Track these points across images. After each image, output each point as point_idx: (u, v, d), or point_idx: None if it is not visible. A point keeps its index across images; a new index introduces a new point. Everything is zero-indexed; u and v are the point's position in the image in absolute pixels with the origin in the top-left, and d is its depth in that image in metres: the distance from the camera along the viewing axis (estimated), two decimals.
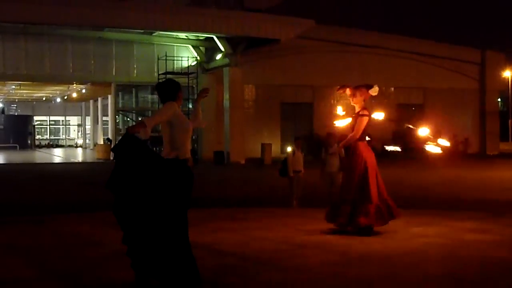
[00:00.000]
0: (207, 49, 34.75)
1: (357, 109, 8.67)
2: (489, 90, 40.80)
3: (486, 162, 30.11)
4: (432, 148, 8.81)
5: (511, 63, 52.13)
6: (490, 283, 5.90)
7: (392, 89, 38.69)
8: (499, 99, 50.08)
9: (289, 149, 12.49)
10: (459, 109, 39.86)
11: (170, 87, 6.12)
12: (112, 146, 35.57)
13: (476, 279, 6.02)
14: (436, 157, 8.48)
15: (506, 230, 8.94)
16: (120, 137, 5.97)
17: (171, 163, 5.86)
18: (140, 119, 5.45)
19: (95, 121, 53.33)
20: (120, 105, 39.95)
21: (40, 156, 43.14)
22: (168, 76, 32.96)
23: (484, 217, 10.40)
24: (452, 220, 9.99)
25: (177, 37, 34.42)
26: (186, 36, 34.19)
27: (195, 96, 35.09)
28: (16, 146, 53.56)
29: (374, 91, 8.70)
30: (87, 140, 58.29)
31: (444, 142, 8.76)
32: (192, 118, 6.42)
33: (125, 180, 5.71)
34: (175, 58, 34.36)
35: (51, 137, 67.39)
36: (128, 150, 5.69)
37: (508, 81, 57.63)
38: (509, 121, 60.95)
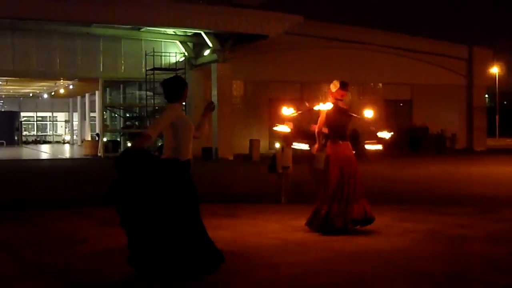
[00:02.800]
0: (195, 45, 34.65)
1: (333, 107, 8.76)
2: (476, 86, 40.98)
3: (474, 158, 30.27)
4: (371, 147, 8.89)
5: (498, 59, 52.43)
6: (478, 278, 5.93)
7: (380, 85, 38.80)
8: (486, 95, 50.33)
9: (277, 145, 12.48)
10: (447, 105, 40.00)
11: (176, 85, 6.05)
12: (99, 141, 35.55)
13: (465, 274, 6.04)
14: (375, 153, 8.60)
15: (494, 226, 8.99)
16: (123, 151, 5.95)
17: (172, 164, 5.86)
18: (141, 131, 5.49)
19: (82, 117, 53.06)
20: (108, 101, 39.73)
21: (27, 152, 42.89)
22: (156, 72, 32.86)
23: (472, 212, 10.45)
24: (440, 215, 10.04)
25: (165, 32, 34.30)
26: (174, 31, 34.08)
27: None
28: (3, 143, 53.20)
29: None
30: (75, 136, 58.02)
31: (385, 134, 8.75)
32: (196, 127, 6.38)
33: (129, 191, 5.69)
34: (163, 54, 34.23)
35: (38, 133, 66.98)
36: (131, 162, 5.71)
37: (496, 77, 57.98)
38: (496, 117, 61.34)
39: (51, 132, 67.54)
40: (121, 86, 39.56)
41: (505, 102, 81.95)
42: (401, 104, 40.14)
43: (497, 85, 60.98)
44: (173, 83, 6.06)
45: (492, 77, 53.39)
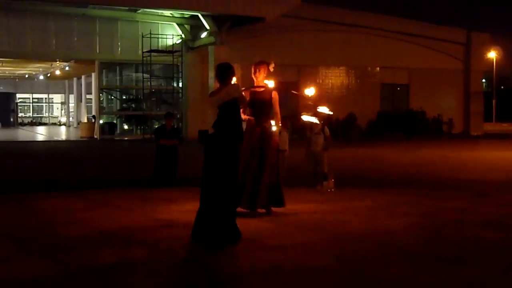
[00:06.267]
0: (192, 27, 34.48)
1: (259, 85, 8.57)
2: (473, 71, 40.93)
3: (470, 143, 30.29)
4: (308, 118, 8.92)
5: (495, 44, 52.32)
6: (471, 262, 5.92)
7: (378, 68, 38.71)
8: (483, 80, 50.29)
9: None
10: (444, 89, 39.98)
11: (231, 71, 7.05)
12: (96, 123, 35.47)
13: (457, 258, 6.03)
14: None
15: (490, 210, 8.98)
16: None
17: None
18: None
19: (78, 99, 52.93)
20: (104, 83, 39.62)
21: (23, 134, 42.80)
22: (153, 54, 32.71)
23: (467, 197, 10.44)
24: (436, 199, 10.03)
25: (162, 14, 34.12)
26: (170, 13, 33.90)
27: (180, 75, 34.96)
28: None
29: (272, 67, 8.72)
30: (71, 118, 57.93)
31: (325, 110, 8.80)
32: None
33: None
34: (160, 36, 34.08)
35: (34, 115, 66.83)
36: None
37: (493, 62, 57.91)
38: (493, 101, 61.36)
39: (47, 114, 67.38)
40: (118, 68, 39.45)
41: (502, 87, 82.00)
42: (398, 88, 40.08)
43: (494, 70, 60.94)
44: (230, 69, 7.06)
45: (489, 62, 53.36)
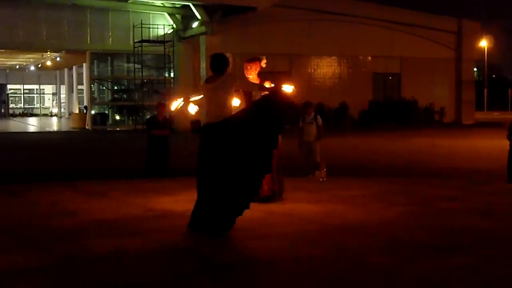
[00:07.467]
0: (184, 17, 34.35)
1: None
2: (465, 59, 40.99)
3: (462, 131, 30.39)
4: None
5: (487, 32, 52.40)
6: (463, 250, 5.95)
7: (369, 58, 38.69)
8: (475, 69, 50.38)
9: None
10: (436, 78, 40.04)
11: (227, 62, 7.01)
12: (87, 114, 35.25)
13: (449, 247, 6.07)
14: None
15: (481, 198, 9.03)
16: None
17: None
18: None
19: (70, 90, 52.70)
20: (95, 73, 39.44)
21: (14, 125, 42.62)
22: (144, 44, 32.58)
23: (459, 185, 10.49)
24: (427, 188, 10.06)
25: (153, 4, 33.96)
26: (162, 3, 33.75)
27: (171, 65, 34.85)
28: None
29: (264, 62, 8.58)
30: (62, 109, 57.67)
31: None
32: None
33: None
34: (151, 26, 33.94)
35: (25, 106, 66.50)
36: None
37: (484, 51, 58.00)
38: (485, 90, 61.51)
39: (38, 104, 67.05)
40: (109, 58, 39.26)
41: (493, 76, 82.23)
42: (390, 78, 40.10)
43: (485, 59, 61.06)
44: (225, 60, 7.02)
45: (481, 51, 53.44)
